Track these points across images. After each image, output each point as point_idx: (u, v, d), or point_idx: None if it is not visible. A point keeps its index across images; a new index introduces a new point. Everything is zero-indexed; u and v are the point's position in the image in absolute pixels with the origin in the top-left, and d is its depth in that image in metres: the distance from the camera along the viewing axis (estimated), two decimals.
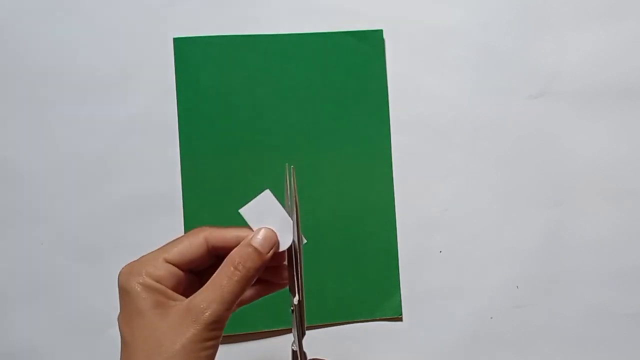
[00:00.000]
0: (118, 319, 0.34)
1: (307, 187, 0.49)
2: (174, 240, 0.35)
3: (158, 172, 0.49)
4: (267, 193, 0.35)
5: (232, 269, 0.33)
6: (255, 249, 0.34)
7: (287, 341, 0.49)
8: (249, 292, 0.37)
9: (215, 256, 0.35)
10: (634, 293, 0.52)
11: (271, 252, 0.34)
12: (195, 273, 0.36)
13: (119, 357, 0.33)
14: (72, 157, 0.49)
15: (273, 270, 0.36)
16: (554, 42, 0.52)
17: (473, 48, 0.52)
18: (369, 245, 0.50)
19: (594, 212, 0.52)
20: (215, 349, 0.32)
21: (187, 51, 0.49)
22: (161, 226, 0.49)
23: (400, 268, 0.50)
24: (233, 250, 0.34)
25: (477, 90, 0.52)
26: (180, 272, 0.34)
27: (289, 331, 0.49)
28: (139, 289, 0.32)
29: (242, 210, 0.35)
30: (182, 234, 0.43)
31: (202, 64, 0.49)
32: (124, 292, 0.33)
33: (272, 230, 0.35)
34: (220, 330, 0.32)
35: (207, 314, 0.31)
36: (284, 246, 0.35)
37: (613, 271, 0.52)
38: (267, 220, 0.35)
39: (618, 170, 0.52)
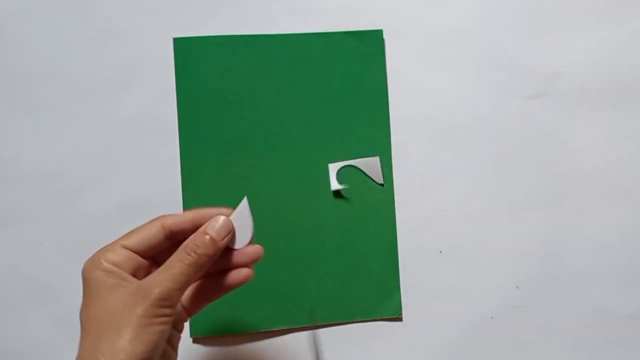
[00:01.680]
0: (80, 311, 0.34)
1: (307, 187, 0.49)
2: (133, 229, 0.36)
3: (158, 172, 0.49)
4: (244, 201, 0.37)
5: (184, 253, 0.34)
6: (211, 237, 0.35)
7: (287, 341, 0.49)
8: (214, 286, 0.38)
9: (176, 242, 0.36)
10: (634, 293, 0.52)
11: (225, 240, 0.36)
12: (158, 263, 0.37)
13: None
14: (71, 157, 0.49)
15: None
16: (553, 42, 0.52)
17: (473, 48, 0.52)
18: (368, 246, 0.50)
19: (594, 212, 0.52)
20: (165, 326, 0.33)
21: (187, 51, 0.49)
22: None
23: (400, 268, 0.50)
24: (189, 238, 0.35)
25: (476, 90, 0.52)
26: (140, 259, 0.36)
27: (289, 331, 0.49)
28: (96, 274, 0.34)
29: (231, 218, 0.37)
30: None
31: (202, 64, 0.49)
32: (85, 281, 0.34)
33: (228, 219, 0.36)
34: (169, 308, 0.33)
35: (156, 291, 0.33)
36: (239, 244, 0.37)
37: (613, 271, 0.51)
38: (236, 221, 0.37)
39: (618, 170, 0.52)
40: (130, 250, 0.35)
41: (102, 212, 0.49)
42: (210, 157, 0.49)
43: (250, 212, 0.37)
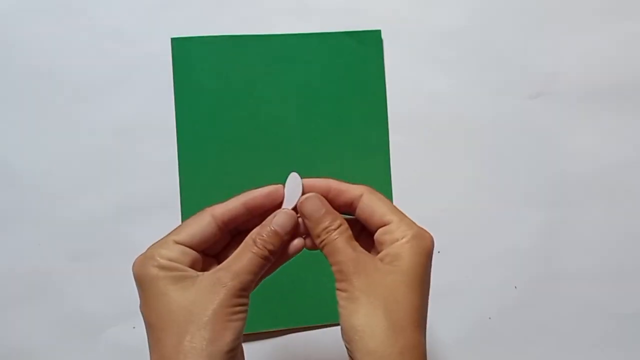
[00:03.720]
0: (140, 310, 0.34)
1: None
2: (181, 224, 0.36)
3: (156, 172, 0.49)
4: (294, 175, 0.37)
5: (253, 244, 0.34)
6: (275, 231, 0.35)
7: (288, 341, 0.49)
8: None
9: (228, 233, 0.36)
10: (633, 293, 0.52)
11: (289, 233, 0.36)
12: (212, 256, 0.37)
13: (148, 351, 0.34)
14: (69, 157, 0.49)
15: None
16: (552, 42, 0.52)
17: (471, 48, 0.52)
18: None
19: (593, 212, 0.52)
20: (244, 315, 0.33)
21: (185, 51, 0.49)
22: (159, 227, 0.48)
23: None
24: (254, 230, 0.35)
25: (475, 90, 0.52)
26: (194, 253, 0.35)
27: (290, 331, 0.49)
28: (155, 272, 0.33)
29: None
30: None
31: (200, 64, 0.49)
32: (141, 280, 0.34)
33: (293, 212, 0.36)
34: (246, 298, 0.34)
35: (234, 281, 0.33)
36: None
37: (612, 271, 0.51)
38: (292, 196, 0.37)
39: (616, 170, 0.52)
40: (183, 245, 0.34)
41: (100, 213, 0.48)
42: (209, 157, 0.49)
43: (300, 180, 0.37)
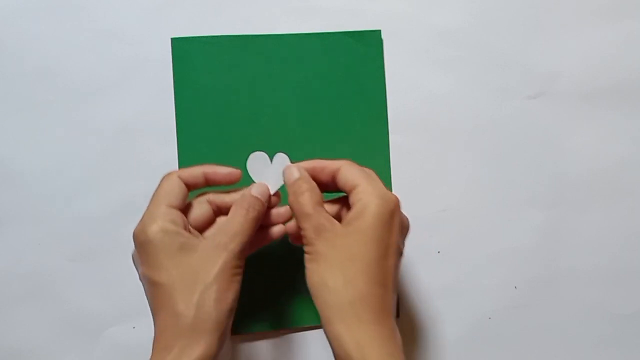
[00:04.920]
0: (144, 275, 0.37)
1: None
2: (158, 190, 0.39)
3: (155, 173, 0.49)
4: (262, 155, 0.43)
5: (243, 210, 0.39)
6: (255, 197, 0.40)
7: (288, 341, 0.49)
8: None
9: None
10: (633, 293, 0.52)
11: (267, 200, 0.41)
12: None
13: (149, 306, 0.38)
14: (68, 157, 0.49)
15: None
16: (552, 42, 0.52)
17: (470, 48, 0.52)
18: None
19: (593, 212, 0.52)
20: (241, 278, 0.38)
21: (185, 51, 0.49)
22: None
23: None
24: (240, 198, 0.40)
25: (474, 90, 0.52)
26: (182, 215, 0.39)
27: (290, 330, 0.49)
28: (160, 235, 0.36)
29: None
30: None
31: (200, 64, 0.49)
32: (147, 245, 0.36)
33: (264, 183, 0.42)
34: (243, 260, 0.38)
35: (234, 244, 0.37)
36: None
37: (612, 271, 0.51)
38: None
39: (616, 170, 0.52)
40: (175, 208, 0.38)
41: (99, 213, 0.48)
42: (209, 157, 0.49)
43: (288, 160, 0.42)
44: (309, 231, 0.37)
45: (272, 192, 0.42)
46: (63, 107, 0.49)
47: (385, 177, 0.50)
